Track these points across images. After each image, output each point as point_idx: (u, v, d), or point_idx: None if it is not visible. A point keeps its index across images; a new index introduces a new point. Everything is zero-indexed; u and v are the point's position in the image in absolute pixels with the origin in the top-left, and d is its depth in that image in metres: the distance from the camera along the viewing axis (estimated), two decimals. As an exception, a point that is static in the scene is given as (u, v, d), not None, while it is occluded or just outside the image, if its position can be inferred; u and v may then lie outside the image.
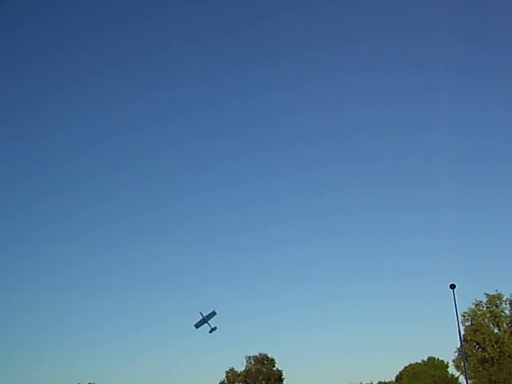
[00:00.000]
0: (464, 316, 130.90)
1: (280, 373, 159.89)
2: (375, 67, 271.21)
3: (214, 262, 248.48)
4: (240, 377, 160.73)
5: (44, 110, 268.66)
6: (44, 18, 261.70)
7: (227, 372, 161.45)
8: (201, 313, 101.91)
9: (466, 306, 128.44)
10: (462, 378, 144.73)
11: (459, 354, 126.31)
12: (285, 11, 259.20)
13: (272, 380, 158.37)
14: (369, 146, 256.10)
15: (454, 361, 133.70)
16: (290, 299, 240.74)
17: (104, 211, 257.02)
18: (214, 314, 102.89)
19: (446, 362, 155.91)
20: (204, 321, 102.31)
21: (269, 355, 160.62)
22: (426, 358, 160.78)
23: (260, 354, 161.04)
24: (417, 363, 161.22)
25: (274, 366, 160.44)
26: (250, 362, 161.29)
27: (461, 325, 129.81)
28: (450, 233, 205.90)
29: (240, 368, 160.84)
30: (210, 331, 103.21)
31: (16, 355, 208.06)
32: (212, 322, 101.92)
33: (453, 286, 65.79)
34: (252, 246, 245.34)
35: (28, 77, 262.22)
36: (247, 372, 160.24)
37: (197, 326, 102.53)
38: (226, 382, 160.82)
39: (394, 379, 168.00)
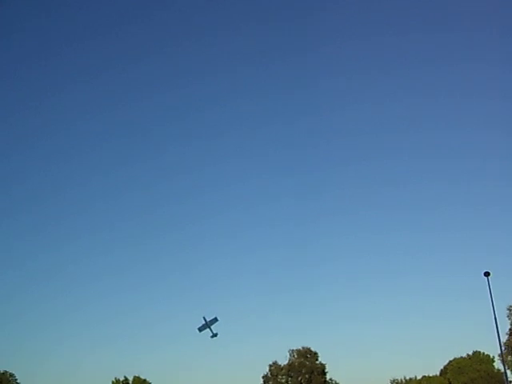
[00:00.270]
0: (510, 310, 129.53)
1: (323, 366, 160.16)
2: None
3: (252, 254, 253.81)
4: (283, 370, 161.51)
5: (47, 111, 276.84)
6: (45, 21, 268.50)
7: (270, 365, 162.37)
8: (204, 318, 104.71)
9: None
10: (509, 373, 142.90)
11: (506, 349, 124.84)
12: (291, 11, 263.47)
13: (315, 373, 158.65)
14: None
15: (499, 355, 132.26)
16: (333, 293, 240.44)
17: (106, 213, 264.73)
18: (215, 320, 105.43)
19: (491, 357, 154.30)
20: (207, 326, 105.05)
21: (312, 348, 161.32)
22: (471, 352, 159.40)
23: (303, 348, 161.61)
24: (462, 357, 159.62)
25: (317, 360, 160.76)
26: (293, 356, 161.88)
27: (507, 318, 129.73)
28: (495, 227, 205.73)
29: (283, 361, 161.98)
30: (212, 336, 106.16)
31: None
32: (215, 327, 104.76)
33: (487, 274, 65.18)
34: (296, 238, 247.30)
35: (29, 79, 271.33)
36: (290, 365, 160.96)
37: (200, 329, 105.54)
38: (269, 375, 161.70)
39: (438, 374, 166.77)
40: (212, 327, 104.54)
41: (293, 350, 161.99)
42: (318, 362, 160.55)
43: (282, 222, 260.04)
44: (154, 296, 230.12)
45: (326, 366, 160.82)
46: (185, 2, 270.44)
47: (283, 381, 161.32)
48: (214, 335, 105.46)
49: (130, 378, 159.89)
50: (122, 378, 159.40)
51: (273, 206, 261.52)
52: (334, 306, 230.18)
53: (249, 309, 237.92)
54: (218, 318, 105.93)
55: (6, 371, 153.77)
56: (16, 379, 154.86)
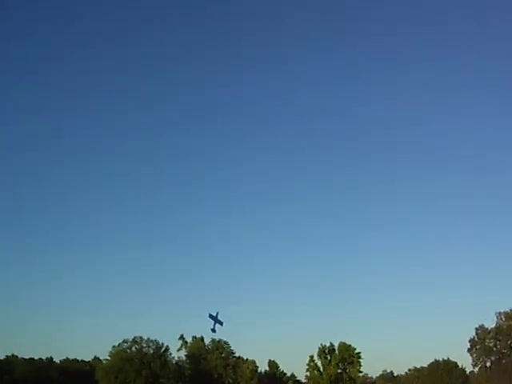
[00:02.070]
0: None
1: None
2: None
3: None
4: (490, 334, 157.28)
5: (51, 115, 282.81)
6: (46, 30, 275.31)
7: (477, 329, 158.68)
8: (210, 314, 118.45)
9: None
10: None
11: None
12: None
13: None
14: None
15: None
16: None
17: (107, 219, 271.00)
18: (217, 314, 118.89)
19: None
20: (215, 320, 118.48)
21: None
22: None
23: (511, 310, 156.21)
24: None
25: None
26: (501, 319, 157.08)
27: None
28: None
29: (490, 325, 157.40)
30: (213, 330, 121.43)
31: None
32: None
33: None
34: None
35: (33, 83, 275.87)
36: (498, 328, 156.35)
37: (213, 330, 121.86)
38: (476, 339, 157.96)
39: None
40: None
41: (500, 313, 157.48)
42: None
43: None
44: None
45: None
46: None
47: (491, 345, 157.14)
48: (214, 330, 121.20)
49: (336, 344, 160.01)
50: (327, 344, 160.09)
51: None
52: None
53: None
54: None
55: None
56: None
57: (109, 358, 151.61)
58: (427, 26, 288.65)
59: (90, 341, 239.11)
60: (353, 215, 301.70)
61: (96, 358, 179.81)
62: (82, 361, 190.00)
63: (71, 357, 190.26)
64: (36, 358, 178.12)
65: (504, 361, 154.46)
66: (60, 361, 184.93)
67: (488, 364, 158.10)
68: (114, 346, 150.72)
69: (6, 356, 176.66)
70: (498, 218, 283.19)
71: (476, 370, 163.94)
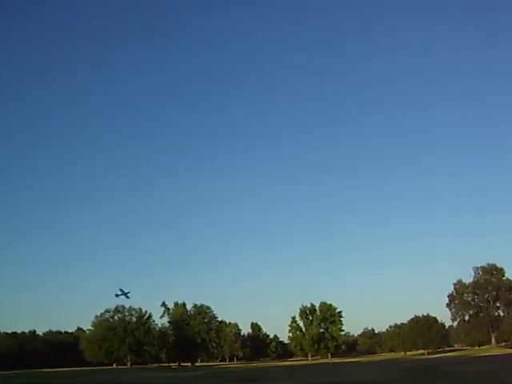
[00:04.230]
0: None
1: (510, 282, 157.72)
2: None
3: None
4: (468, 288, 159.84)
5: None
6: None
7: (455, 284, 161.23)
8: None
9: None
10: None
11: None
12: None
13: (502, 290, 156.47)
14: None
15: None
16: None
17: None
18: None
19: None
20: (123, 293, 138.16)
21: (498, 265, 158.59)
22: None
23: (488, 265, 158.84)
24: None
25: (503, 276, 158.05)
26: (479, 273, 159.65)
27: None
28: None
29: (468, 279, 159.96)
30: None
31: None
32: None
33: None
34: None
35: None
36: (476, 283, 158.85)
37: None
38: (454, 294, 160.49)
39: None
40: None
41: (477, 267, 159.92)
42: (504, 279, 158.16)
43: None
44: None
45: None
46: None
47: (469, 299, 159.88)
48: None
49: (317, 305, 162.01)
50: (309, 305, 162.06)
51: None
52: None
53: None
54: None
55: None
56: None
57: (92, 328, 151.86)
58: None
59: (73, 312, 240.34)
60: (330, 176, 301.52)
61: (79, 329, 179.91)
62: (66, 332, 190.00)
63: (54, 329, 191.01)
64: (19, 331, 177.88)
65: (482, 314, 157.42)
66: (43, 333, 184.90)
67: (466, 318, 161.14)
68: (96, 316, 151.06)
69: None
70: (475, 173, 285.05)
71: (455, 324, 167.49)
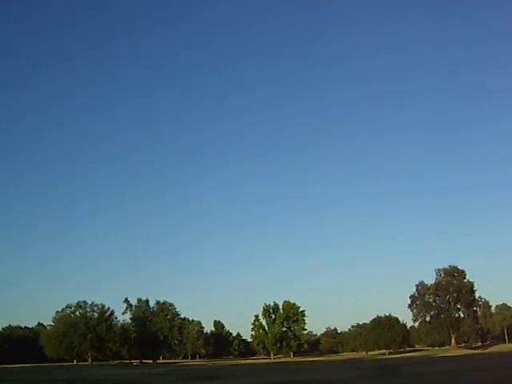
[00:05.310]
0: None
1: (471, 284, 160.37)
2: None
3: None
4: (430, 289, 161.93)
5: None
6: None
7: (417, 285, 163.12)
8: None
9: None
10: None
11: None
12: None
13: (463, 292, 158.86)
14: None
15: None
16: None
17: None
18: None
19: None
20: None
21: (459, 267, 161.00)
22: None
23: (450, 267, 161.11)
24: None
25: (464, 278, 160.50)
26: (440, 275, 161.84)
27: None
28: None
29: (430, 281, 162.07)
30: None
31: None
32: None
33: None
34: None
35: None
36: (437, 285, 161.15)
37: None
38: (416, 294, 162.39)
39: None
40: None
41: (439, 269, 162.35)
42: (465, 281, 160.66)
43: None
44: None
45: (475, 284, 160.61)
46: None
47: (431, 300, 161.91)
48: None
49: (280, 304, 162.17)
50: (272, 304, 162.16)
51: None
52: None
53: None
54: None
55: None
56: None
57: (52, 323, 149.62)
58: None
59: (33, 307, 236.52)
60: (289, 174, 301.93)
61: (40, 324, 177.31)
62: (26, 327, 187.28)
63: (14, 324, 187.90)
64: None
65: (443, 315, 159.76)
66: (3, 328, 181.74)
67: (428, 319, 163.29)
68: (57, 312, 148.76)
69: None
70: (441, 171, 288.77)
71: (416, 324, 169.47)
